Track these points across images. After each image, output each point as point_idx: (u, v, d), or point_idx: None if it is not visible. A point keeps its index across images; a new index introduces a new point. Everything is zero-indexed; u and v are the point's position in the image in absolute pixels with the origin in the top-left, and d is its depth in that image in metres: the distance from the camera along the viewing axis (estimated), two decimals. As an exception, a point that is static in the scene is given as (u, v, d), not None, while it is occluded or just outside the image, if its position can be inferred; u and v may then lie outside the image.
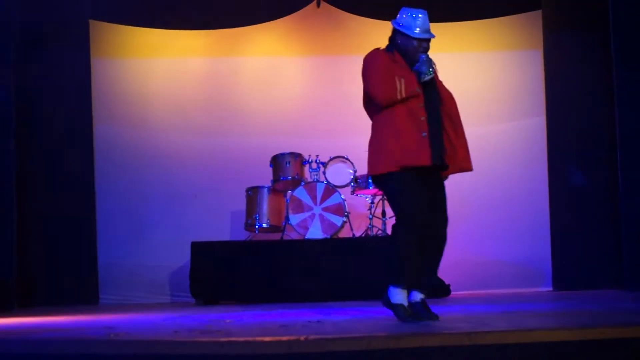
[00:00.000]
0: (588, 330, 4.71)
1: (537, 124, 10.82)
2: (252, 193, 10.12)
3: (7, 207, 9.50)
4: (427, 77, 5.97)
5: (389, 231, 10.15)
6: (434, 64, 6.01)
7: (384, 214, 10.17)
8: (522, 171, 10.93)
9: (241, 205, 10.29)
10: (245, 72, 11.24)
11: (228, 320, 6.54)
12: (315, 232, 9.88)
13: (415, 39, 6.05)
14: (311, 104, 11.17)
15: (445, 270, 9.81)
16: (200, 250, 9.70)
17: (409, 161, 5.91)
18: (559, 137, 10.51)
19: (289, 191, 10.13)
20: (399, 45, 6.11)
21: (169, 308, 9.15)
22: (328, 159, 10.26)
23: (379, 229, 10.15)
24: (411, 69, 6.00)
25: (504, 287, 10.64)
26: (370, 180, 9.87)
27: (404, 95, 5.93)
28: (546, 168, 10.60)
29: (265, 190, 10.09)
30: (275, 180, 10.13)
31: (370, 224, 10.16)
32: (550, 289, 10.45)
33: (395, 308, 5.83)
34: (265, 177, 10.27)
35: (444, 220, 6.05)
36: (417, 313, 5.89)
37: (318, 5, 10.90)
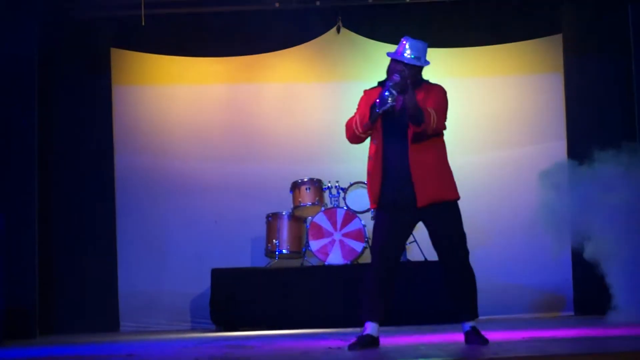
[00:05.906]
0: (610, 355, 4.68)
1: (558, 147, 10.77)
2: (272, 219, 10.11)
3: (29, 235, 9.57)
4: (385, 107, 5.77)
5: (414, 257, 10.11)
6: (405, 92, 5.77)
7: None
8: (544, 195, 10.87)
9: (261, 231, 10.29)
10: (265, 98, 11.26)
11: (249, 347, 6.54)
12: (336, 258, 9.85)
13: (391, 59, 6.01)
14: (331, 129, 11.09)
15: (467, 296, 9.77)
16: (221, 277, 9.70)
17: (371, 200, 6.05)
18: (580, 160, 10.43)
19: (309, 217, 10.11)
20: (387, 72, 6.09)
21: (189, 335, 9.15)
22: (348, 184, 10.25)
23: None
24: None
25: (525, 312, 10.57)
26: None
27: (359, 129, 6.02)
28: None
29: (285, 216, 10.08)
30: (296, 206, 10.13)
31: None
32: (572, 313, 10.36)
33: None
34: (285, 203, 10.27)
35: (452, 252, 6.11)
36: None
37: (338, 31, 10.91)
